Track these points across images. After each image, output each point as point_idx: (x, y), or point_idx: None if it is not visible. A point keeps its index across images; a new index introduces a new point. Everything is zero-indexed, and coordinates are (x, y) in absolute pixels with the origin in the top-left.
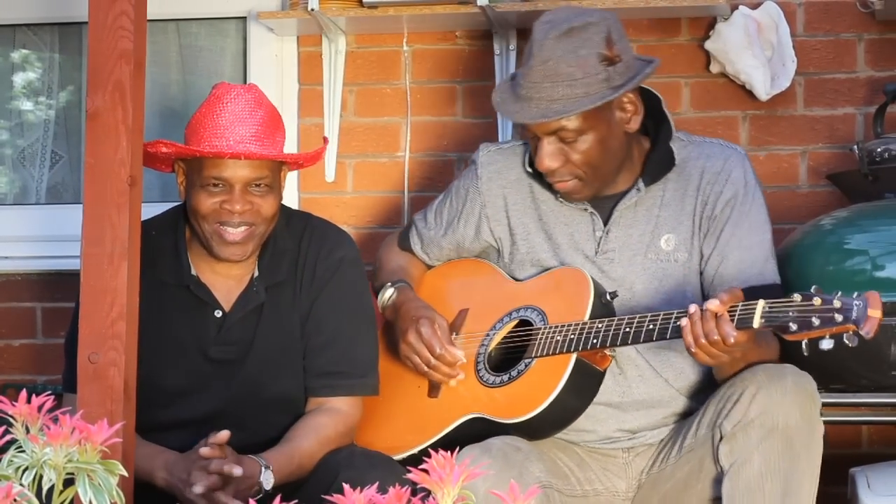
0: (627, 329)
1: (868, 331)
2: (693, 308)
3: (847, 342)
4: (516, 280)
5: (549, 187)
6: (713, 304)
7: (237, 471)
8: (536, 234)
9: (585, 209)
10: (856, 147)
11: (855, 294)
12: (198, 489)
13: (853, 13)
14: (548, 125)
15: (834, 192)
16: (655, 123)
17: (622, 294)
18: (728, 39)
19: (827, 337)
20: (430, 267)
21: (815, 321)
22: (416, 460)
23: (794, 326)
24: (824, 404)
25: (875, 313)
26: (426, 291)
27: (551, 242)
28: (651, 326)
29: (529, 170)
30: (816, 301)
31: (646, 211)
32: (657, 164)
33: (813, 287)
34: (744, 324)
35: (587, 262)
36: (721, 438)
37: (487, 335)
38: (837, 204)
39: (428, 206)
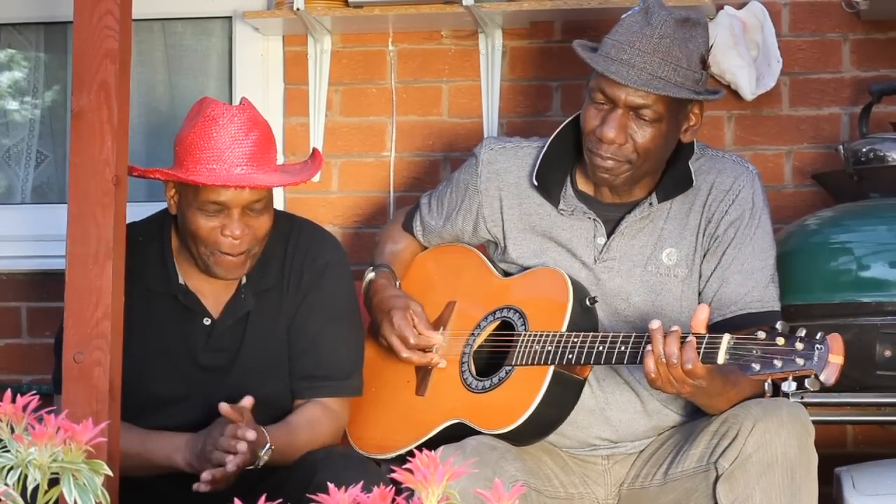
0: (601, 348)
1: (828, 378)
2: (656, 324)
3: (808, 386)
4: (502, 275)
5: (550, 198)
6: (703, 313)
7: (250, 434)
8: (531, 240)
9: (589, 217)
10: (841, 147)
11: (818, 335)
12: (205, 476)
13: (838, 13)
14: (638, 97)
15: (819, 191)
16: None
17: (618, 304)
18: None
19: (790, 379)
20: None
21: (777, 363)
22: (403, 460)
23: (756, 366)
24: (809, 404)
25: (836, 359)
26: (415, 275)
27: (542, 250)
28: (623, 348)
29: (536, 183)
30: (780, 340)
31: (651, 223)
32: (673, 182)
33: (779, 323)
34: (708, 358)
35: (583, 269)
36: (718, 477)
37: (472, 334)
38: (822, 204)
39: (433, 190)
